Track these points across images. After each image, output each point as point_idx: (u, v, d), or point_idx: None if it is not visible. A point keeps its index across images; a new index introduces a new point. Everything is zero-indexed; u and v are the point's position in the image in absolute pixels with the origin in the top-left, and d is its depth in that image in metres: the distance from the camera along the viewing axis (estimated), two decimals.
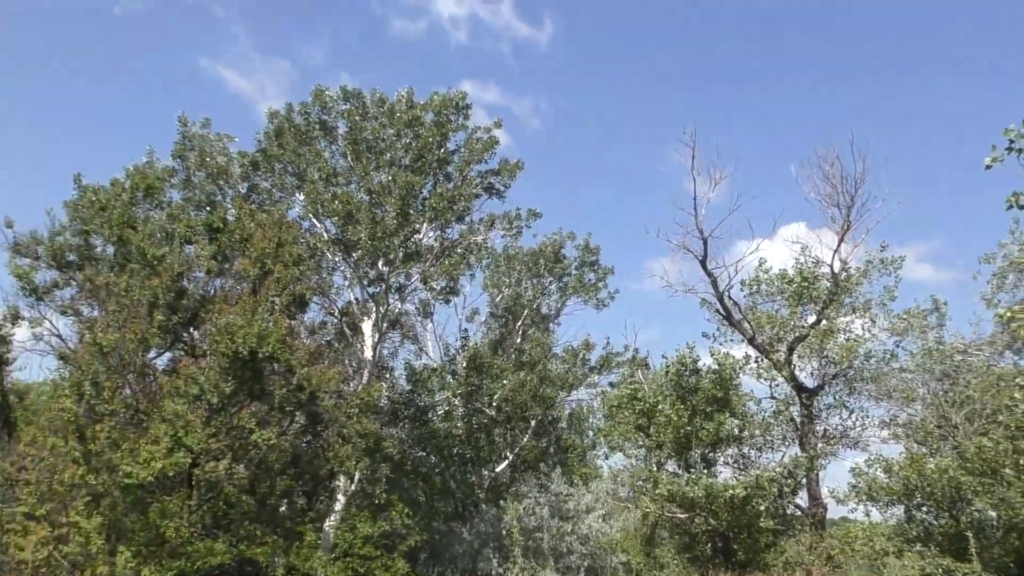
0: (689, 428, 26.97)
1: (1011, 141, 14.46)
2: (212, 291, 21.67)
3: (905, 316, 31.70)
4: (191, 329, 21.52)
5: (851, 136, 33.59)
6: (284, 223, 24.04)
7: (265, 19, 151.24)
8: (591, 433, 47.58)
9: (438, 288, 35.54)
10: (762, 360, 31.05)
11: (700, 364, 27.82)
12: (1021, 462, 20.78)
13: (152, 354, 20.85)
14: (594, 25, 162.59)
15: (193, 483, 18.78)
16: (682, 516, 27.68)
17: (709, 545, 28.47)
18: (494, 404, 33.33)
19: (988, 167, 14.33)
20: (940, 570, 22.82)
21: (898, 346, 31.78)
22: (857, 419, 30.96)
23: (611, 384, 44.77)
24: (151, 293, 19.73)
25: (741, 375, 28.53)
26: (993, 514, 24.81)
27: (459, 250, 30.09)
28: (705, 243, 30.12)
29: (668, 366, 27.84)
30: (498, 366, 32.25)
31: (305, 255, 26.25)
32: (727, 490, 25.09)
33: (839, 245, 29.85)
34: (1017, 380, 30.28)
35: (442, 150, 30.34)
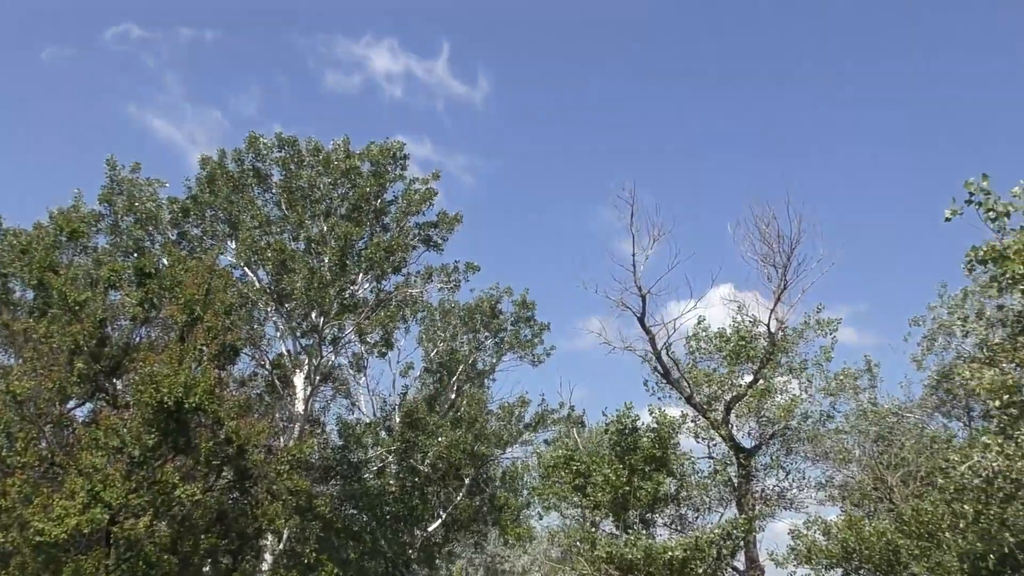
0: (627, 488, 26.44)
1: (971, 194, 14.46)
2: (137, 339, 20.70)
3: (840, 377, 31.79)
4: (113, 379, 20.50)
5: (787, 197, 33.67)
6: (215, 270, 23.23)
7: (196, 69, 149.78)
8: (525, 492, 46.75)
9: (372, 341, 34.89)
10: (699, 419, 30.74)
11: (639, 423, 27.42)
12: (960, 525, 20.60)
13: (71, 404, 19.80)
14: (528, 84, 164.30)
15: (111, 541, 17.66)
16: None
17: None
18: (428, 461, 32.48)
19: (948, 219, 14.29)
20: None
21: (833, 407, 31.77)
22: (794, 480, 30.71)
23: (546, 442, 44.14)
24: (72, 340, 18.77)
25: (679, 434, 28.20)
26: None
27: (395, 302, 29.50)
28: (643, 300, 29.80)
29: (607, 425, 27.37)
30: (433, 423, 31.47)
31: (236, 304, 25.45)
32: (666, 551, 24.53)
33: (775, 305, 29.75)
34: (952, 442, 30.49)
35: (379, 200, 29.86)
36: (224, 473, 20.08)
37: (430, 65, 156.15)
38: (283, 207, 29.25)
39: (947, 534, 23.05)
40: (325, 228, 27.71)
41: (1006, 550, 19.93)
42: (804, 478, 30.92)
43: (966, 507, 20.03)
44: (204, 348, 18.67)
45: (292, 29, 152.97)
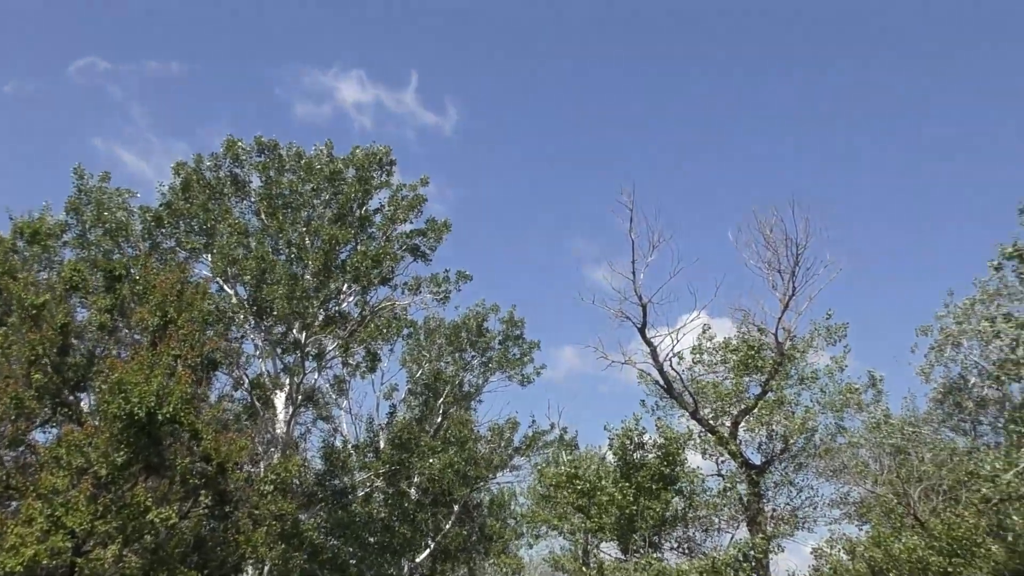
0: (634, 508, 24.70)
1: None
2: (104, 350, 18.71)
3: (845, 391, 30.17)
4: (78, 392, 18.51)
5: (792, 200, 32.29)
6: (190, 279, 21.41)
7: (163, 101, 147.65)
8: (512, 521, 44.86)
9: (355, 362, 33.01)
10: (706, 435, 29.06)
11: (646, 438, 25.74)
12: (1009, 538, 19.04)
13: (30, 421, 17.75)
14: (499, 110, 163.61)
15: (75, 573, 15.65)
16: None
17: None
18: (420, 485, 30.55)
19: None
20: None
21: (841, 421, 30.23)
22: (807, 498, 29.05)
23: (535, 466, 42.41)
24: (30, 349, 16.84)
25: (686, 450, 26.56)
26: None
27: (383, 316, 27.71)
28: (644, 309, 28.26)
29: (612, 440, 25.63)
30: (426, 442, 29.55)
31: (213, 318, 23.60)
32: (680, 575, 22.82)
33: (783, 312, 28.34)
34: (973, 454, 28.97)
35: (364, 208, 28.15)
36: (202, 497, 18.09)
37: (399, 96, 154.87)
38: (263, 216, 27.45)
39: (982, 549, 21.53)
40: (307, 232, 25.84)
41: None
42: (818, 495, 29.30)
43: (1015, 517, 18.44)
44: (178, 355, 16.74)
45: (259, 60, 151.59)
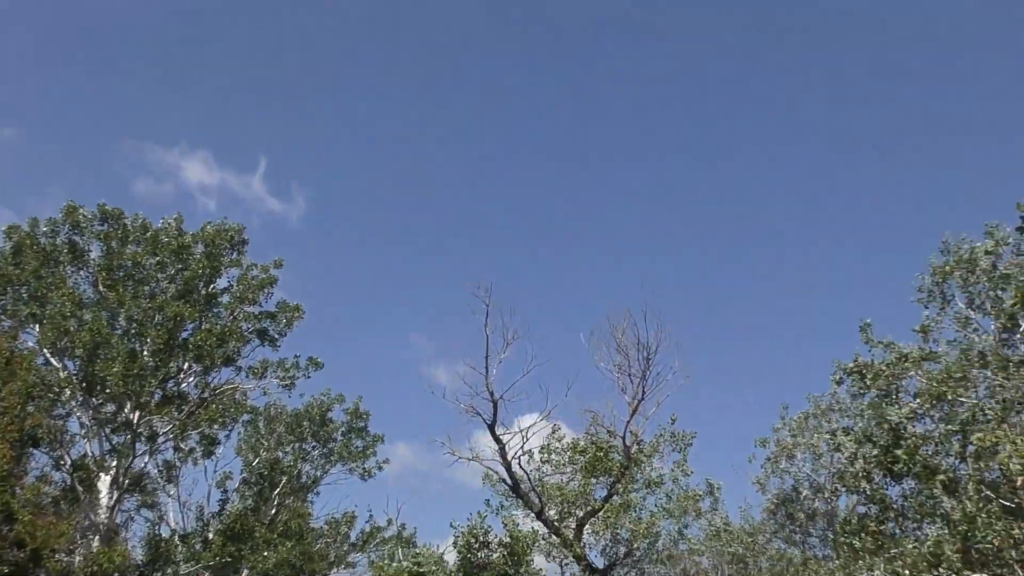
0: None
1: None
2: None
3: (683, 498, 30.45)
4: None
5: (644, 306, 32.94)
6: (14, 353, 19.88)
7: None
8: None
9: (188, 448, 31.37)
10: (551, 536, 28.68)
11: (491, 537, 25.13)
12: None
13: None
14: (346, 201, 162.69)
15: None
16: None
17: None
18: None
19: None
20: None
21: (684, 528, 30.45)
22: None
23: (372, 563, 41.10)
24: None
25: (532, 551, 26.08)
26: None
27: (225, 398, 26.44)
28: (495, 406, 27.97)
29: (456, 537, 24.91)
30: (260, 534, 28.02)
31: (36, 391, 21.97)
32: None
33: (631, 416, 28.55)
34: (809, 564, 29.58)
35: (211, 286, 27.06)
36: None
37: (246, 180, 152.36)
38: (100, 287, 25.97)
39: None
40: (151, 307, 24.50)
41: None
42: None
43: None
44: None
45: (98, 132, 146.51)
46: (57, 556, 17.05)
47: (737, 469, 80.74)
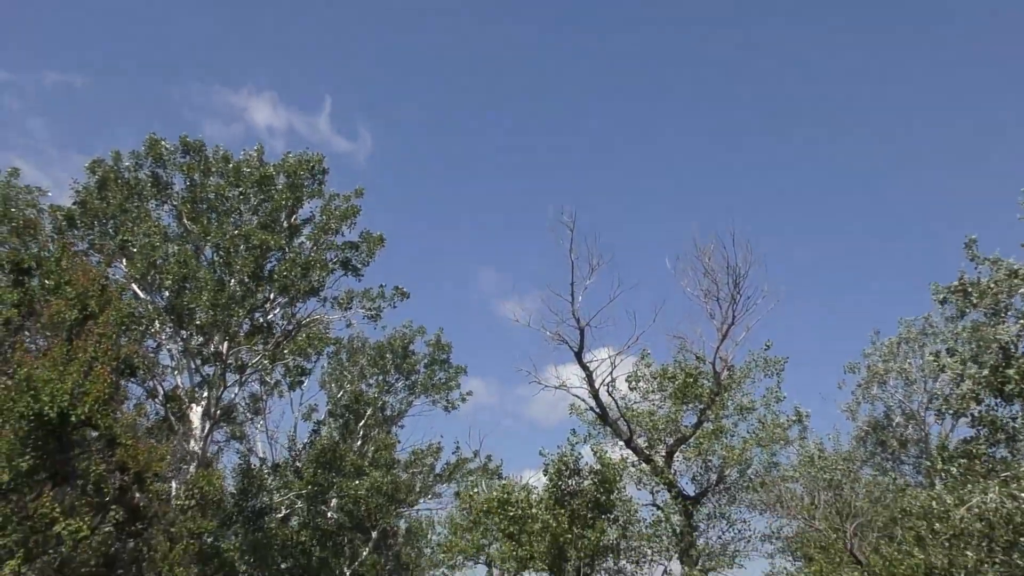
0: (568, 536, 23.72)
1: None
2: (9, 347, 17.00)
3: (771, 427, 29.75)
4: None
5: (732, 228, 32.18)
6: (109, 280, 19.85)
7: (63, 113, 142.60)
8: (429, 551, 43.48)
9: (274, 381, 31.57)
10: (640, 464, 28.29)
11: (582, 464, 24.85)
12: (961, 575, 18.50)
13: None
14: (413, 138, 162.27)
15: None
16: None
17: None
18: (342, 508, 29.04)
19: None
20: None
21: (775, 456, 29.82)
22: (738, 531, 28.41)
23: (457, 493, 41.27)
24: None
25: (623, 478, 25.75)
26: None
27: (312, 329, 26.36)
28: (582, 333, 27.53)
29: (547, 465, 24.65)
30: (351, 462, 28.11)
31: (129, 323, 22.03)
32: None
33: (721, 342, 27.86)
34: (907, 491, 28.73)
35: (294, 217, 26.85)
36: (113, 512, 16.50)
37: (312, 120, 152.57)
38: (185, 220, 25.90)
39: None
40: (237, 234, 24.34)
41: None
42: (749, 529, 28.71)
43: (968, 553, 17.93)
44: (96, 355, 15.22)
45: (165, 76, 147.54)
46: (159, 480, 17.08)
47: (825, 396, 79.43)
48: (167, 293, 25.13)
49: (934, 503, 19.66)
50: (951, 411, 20.68)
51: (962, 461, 21.26)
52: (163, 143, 26.33)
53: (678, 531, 27.07)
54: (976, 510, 18.23)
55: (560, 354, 46.86)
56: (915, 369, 36.85)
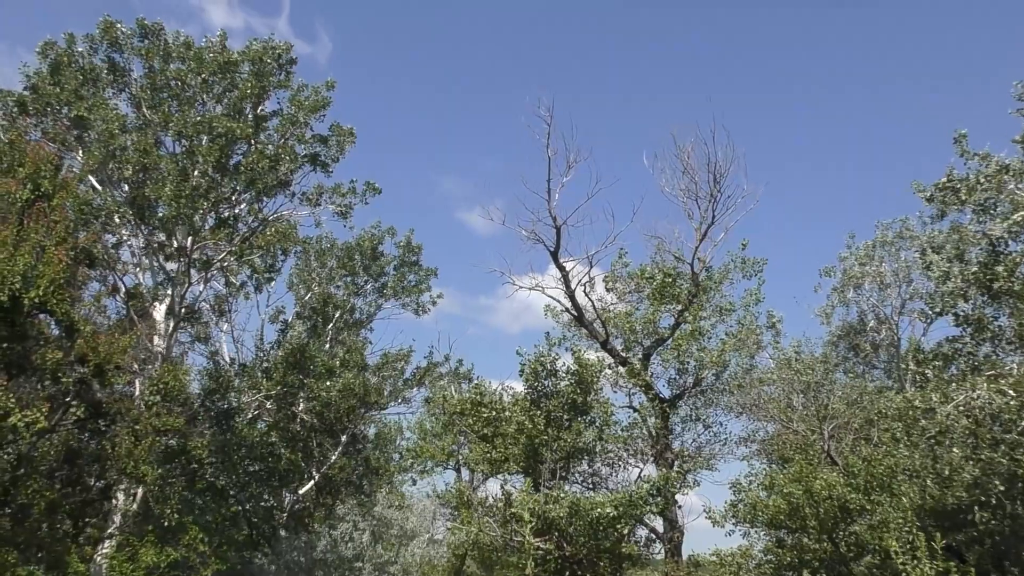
0: (545, 437, 23.25)
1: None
2: None
3: (743, 331, 29.30)
4: None
5: (713, 125, 31.29)
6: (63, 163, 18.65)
7: (5, 8, 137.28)
8: (397, 456, 43.24)
9: (240, 280, 30.64)
10: (616, 366, 27.81)
11: (559, 364, 24.28)
12: (946, 472, 18.25)
13: None
14: (373, 40, 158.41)
15: None
16: (534, 541, 23.75)
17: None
18: (313, 410, 28.39)
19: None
20: None
21: (752, 358, 29.54)
22: (714, 434, 28.19)
23: (426, 399, 40.87)
24: None
25: (600, 380, 25.26)
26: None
27: (279, 224, 25.34)
28: (558, 232, 26.77)
29: (523, 366, 24.04)
30: (323, 362, 27.33)
31: (87, 214, 20.95)
32: (594, 508, 21.51)
33: (700, 241, 27.24)
34: (884, 393, 28.58)
35: (260, 108, 25.54)
36: (73, 409, 15.66)
37: (271, 21, 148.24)
38: (144, 108, 24.51)
39: (904, 486, 20.88)
40: (200, 123, 23.04)
41: (993, 500, 17.72)
42: (725, 432, 28.52)
43: (955, 451, 17.64)
44: (51, 235, 14.16)
45: None
46: (121, 373, 16.21)
47: (799, 300, 79.85)
48: (127, 186, 23.94)
49: (918, 401, 19.28)
50: (937, 310, 20.19)
51: (936, 363, 20.97)
52: (119, 26, 24.78)
53: (654, 434, 26.77)
54: (962, 408, 17.91)
55: (535, 257, 46.22)
56: (890, 273, 36.62)
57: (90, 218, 21.78)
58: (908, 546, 9.83)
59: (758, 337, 29.70)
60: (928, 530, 16.65)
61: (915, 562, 9.54)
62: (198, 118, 23.06)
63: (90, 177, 23.60)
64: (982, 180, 19.94)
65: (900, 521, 20.53)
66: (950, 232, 21.29)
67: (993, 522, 18.16)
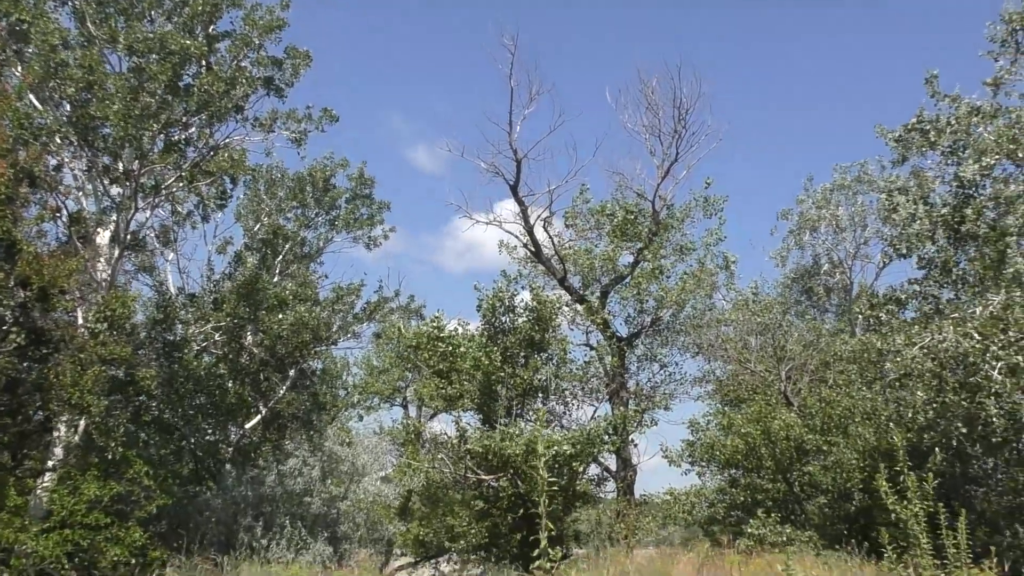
0: (501, 374, 22.93)
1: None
2: None
3: (697, 272, 29.17)
4: None
5: (680, 60, 30.89)
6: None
7: None
8: (344, 392, 42.82)
9: (186, 211, 29.69)
10: (574, 304, 27.54)
11: (517, 300, 23.91)
12: (909, 415, 18.24)
13: None
14: None
15: None
16: (487, 478, 23.52)
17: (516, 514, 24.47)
18: (262, 343, 27.70)
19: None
20: (783, 538, 20.17)
21: (710, 298, 29.48)
22: (669, 374, 28.13)
23: (376, 335, 40.40)
24: None
25: (558, 317, 24.96)
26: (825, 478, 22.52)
27: (232, 150, 24.38)
28: (518, 165, 26.31)
29: (481, 301, 23.61)
30: (276, 295, 26.59)
31: (27, 133, 19.82)
32: (551, 446, 21.28)
33: (662, 179, 26.99)
34: (840, 336, 28.69)
35: (212, 27, 24.38)
36: (12, 335, 14.87)
37: None
38: (88, 23, 23.19)
39: (860, 427, 21.02)
40: (151, 38, 21.87)
41: (954, 442, 17.80)
42: (681, 372, 28.48)
43: (919, 393, 17.63)
44: None
45: None
46: (65, 299, 15.44)
47: (754, 242, 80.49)
48: (69, 105, 22.72)
49: (878, 343, 19.29)
50: (902, 252, 20.13)
51: (890, 307, 20.99)
52: None
53: (610, 372, 26.60)
54: (926, 351, 17.92)
55: (493, 190, 45.51)
56: (846, 217, 36.74)
57: (30, 137, 20.65)
58: (897, 487, 9.61)
59: (714, 279, 29.64)
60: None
61: (904, 503, 9.30)
62: (149, 35, 21.84)
63: (30, 95, 22.36)
64: (952, 122, 19.81)
65: (855, 462, 20.74)
66: (910, 176, 21.20)
67: (945, 463, 18.28)
